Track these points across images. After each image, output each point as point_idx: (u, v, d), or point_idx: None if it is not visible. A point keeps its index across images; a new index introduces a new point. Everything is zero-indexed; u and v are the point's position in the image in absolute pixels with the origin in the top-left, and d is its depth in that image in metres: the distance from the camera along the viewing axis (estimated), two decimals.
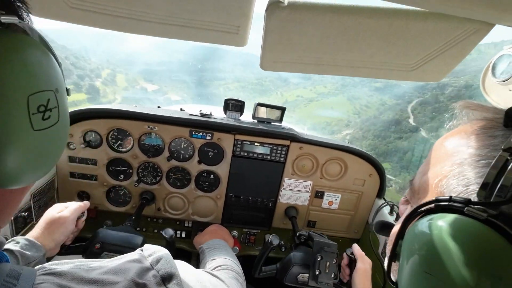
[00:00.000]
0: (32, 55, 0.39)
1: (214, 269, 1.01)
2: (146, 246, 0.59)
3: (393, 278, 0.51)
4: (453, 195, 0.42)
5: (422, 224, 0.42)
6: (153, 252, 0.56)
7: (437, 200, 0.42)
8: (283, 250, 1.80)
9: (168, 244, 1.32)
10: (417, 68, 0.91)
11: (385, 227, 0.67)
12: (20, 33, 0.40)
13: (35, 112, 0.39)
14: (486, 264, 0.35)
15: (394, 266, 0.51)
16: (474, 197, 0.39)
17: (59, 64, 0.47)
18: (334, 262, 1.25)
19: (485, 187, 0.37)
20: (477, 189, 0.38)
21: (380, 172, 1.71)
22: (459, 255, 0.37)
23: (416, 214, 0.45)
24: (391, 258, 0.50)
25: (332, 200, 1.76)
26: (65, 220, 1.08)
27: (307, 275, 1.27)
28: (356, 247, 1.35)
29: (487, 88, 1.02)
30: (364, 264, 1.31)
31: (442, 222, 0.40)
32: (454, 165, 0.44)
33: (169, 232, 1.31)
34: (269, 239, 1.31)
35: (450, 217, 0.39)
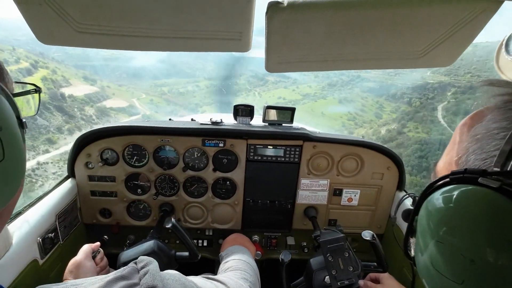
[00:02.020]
0: None
1: (225, 271, 1.02)
2: (140, 258, 0.62)
3: (410, 254, 0.52)
4: None
5: (434, 196, 0.43)
6: (145, 264, 0.61)
7: (452, 173, 0.42)
8: (306, 251, 1.78)
9: (174, 231, 1.32)
10: (426, 54, 0.89)
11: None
12: None
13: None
14: (498, 230, 0.35)
15: (412, 242, 0.52)
16: (490, 169, 0.39)
17: (10, 97, 0.48)
18: (346, 255, 1.22)
19: (502, 157, 0.37)
20: (494, 161, 0.38)
21: (398, 164, 1.67)
22: (469, 222, 0.38)
23: (431, 189, 0.45)
24: (407, 234, 0.51)
25: (351, 196, 1.74)
26: (79, 263, 1.14)
27: None
28: (362, 283, 1.34)
29: (502, 67, 0.98)
30: (384, 286, 1.31)
31: (454, 192, 0.40)
32: (473, 140, 0.44)
33: (169, 222, 1.30)
34: (280, 258, 1.30)
35: (463, 187, 0.40)
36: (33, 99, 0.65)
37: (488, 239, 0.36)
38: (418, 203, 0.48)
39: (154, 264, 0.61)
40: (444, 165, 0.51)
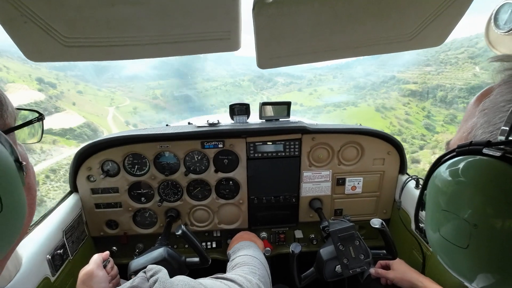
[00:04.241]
0: None
1: (232, 269, 1.03)
2: (149, 266, 0.63)
3: (421, 227, 0.55)
4: None
5: (441, 169, 0.45)
6: (154, 272, 0.62)
7: (458, 147, 0.44)
8: (315, 243, 1.79)
9: (184, 238, 1.32)
10: (416, 36, 0.88)
11: None
12: None
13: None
14: (499, 194, 0.37)
15: (422, 215, 0.54)
16: (494, 139, 0.40)
17: (7, 140, 0.45)
18: (357, 243, 1.23)
19: (507, 127, 0.39)
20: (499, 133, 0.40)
21: (398, 148, 1.68)
22: (471, 189, 0.40)
23: (439, 164, 0.47)
24: (417, 208, 0.54)
25: (354, 184, 1.74)
26: (91, 273, 1.14)
27: None
28: (374, 271, 1.39)
29: (493, 41, 0.98)
30: (395, 272, 1.32)
31: (458, 163, 0.42)
32: (482, 115, 0.46)
33: (178, 229, 1.30)
34: (290, 250, 1.31)
35: (467, 158, 0.41)
36: (38, 126, 0.61)
37: (490, 203, 0.37)
38: (426, 178, 0.50)
39: (163, 272, 0.62)
40: (455, 142, 0.52)
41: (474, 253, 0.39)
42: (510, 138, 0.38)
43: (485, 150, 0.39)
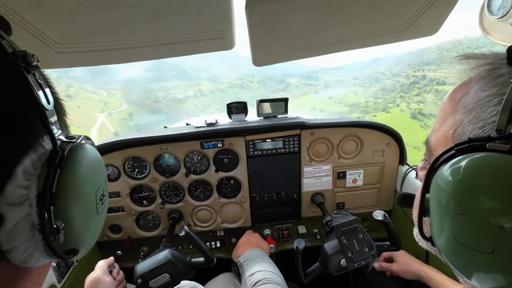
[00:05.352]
0: (98, 159, 0.48)
1: (254, 285, 1.02)
2: (183, 282, 0.63)
3: (426, 234, 0.50)
4: None
5: (446, 170, 0.42)
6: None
7: (456, 145, 0.42)
8: (318, 238, 1.79)
9: (188, 239, 1.33)
10: (410, 26, 0.88)
11: (407, 199, 0.65)
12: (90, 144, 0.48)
13: (98, 201, 0.47)
14: None
15: (425, 222, 0.50)
16: (493, 134, 0.39)
17: None
18: (360, 236, 1.23)
19: (503, 121, 0.38)
20: (494, 127, 0.39)
21: (397, 138, 1.68)
22: (490, 189, 0.37)
23: (437, 164, 0.45)
24: (420, 214, 0.49)
25: (355, 177, 1.74)
26: (98, 279, 1.16)
27: None
28: (377, 265, 1.39)
29: (487, 28, 0.98)
30: (399, 264, 1.32)
31: (466, 162, 0.40)
32: (466, 111, 0.45)
33: (182, 230, 1.31)
34: (295, 246, 1.31)
35: (473, 155, 0.39)
36: None
37: None
38: (426, 181, 0.47)
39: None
40: (439, 140, 0.51)
41: (501, 258, 0.37)
42: (507, 131, 0.37)
43: (489, 146, 0.38)
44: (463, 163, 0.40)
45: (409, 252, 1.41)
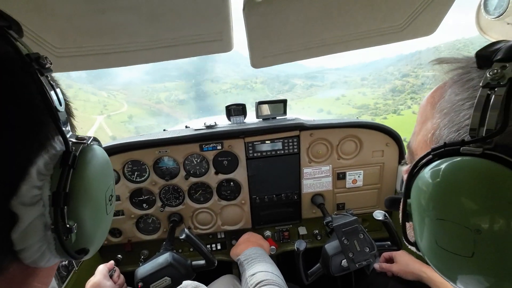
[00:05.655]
0: (107, 160, 0.49)
1: (255, 286, 1.02)
2: (185, 282, 0.63)
3: (411, 239, 0.51)
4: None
5: (423, 175, 0.43)
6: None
7: (432, 150, 0.43)
8: (319, 239, 1.79)
9: (188, 242, 1.32)
10: (407, 26, 0.89)
11: (395, 202, 0.65)
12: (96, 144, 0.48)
13: (108, 202, 0.48)
14: (494, 194, 0.36)
15: (409, 227, 0.51)
16: (467, 138, 0.40)
17: None
18: (361, 237, 1.23)
19: (475, 125, 0.38)
20: (468, 130, 0.39)
21: (397, 139, 1.68)
22: (466, 192, 0.37)
23: (416, 169, 0.45)
24: (403, 219, 0.50)
25: (355, 178, 1.74)
26: (99, 284, 1.16)
27: None
28: (378, 266, 1.38)
29: (484, 27, 0.99)
30: (399, 264, 1.32)
31: (442, 166, 0.40)
32: (442, 115, 0.46)
33: (182, 233, 1.31)
34: (295, 247, 1.31)
35: (448, 160, 0.40)
36: None
37: (488, 204, 0.36)
38: (406, 186, 0.47)
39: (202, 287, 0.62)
40: (419, 144, 0.51)
41: (481, 260, 0.37)
42: (480, 134, 0.38)
43: (463, 150, 0.38)
44: (438, 168, 0.41)
45: (409, 252, 1.41)
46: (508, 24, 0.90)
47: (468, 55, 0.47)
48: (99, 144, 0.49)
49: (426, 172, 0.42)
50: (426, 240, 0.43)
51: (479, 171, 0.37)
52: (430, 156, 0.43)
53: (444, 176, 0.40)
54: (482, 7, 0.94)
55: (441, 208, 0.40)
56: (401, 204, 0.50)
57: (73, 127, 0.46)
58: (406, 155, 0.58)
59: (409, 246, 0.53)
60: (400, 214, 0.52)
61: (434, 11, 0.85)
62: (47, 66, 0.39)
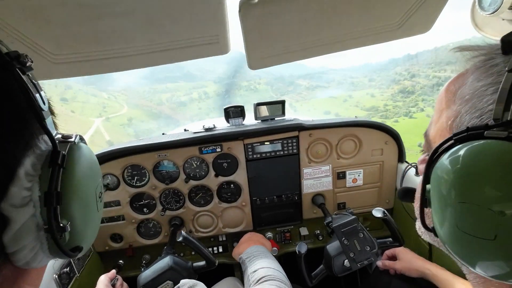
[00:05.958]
0: (94, 157, 0.49)
1: (257, 282, 1.01)
2: (182, 281, 0.63)
3: (429, 225, 0.50)
4: None
5: (446, 159, 0.43)
6: (189, 287, 0.60)
7: (455, 135, 0.42)
8: (321, 239, 1.79)
9: (186, 244, 1.32)
10: (403, 25, 0.89)
11: (409, 193, 0.65)
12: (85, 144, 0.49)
13: (98, 198, 0.49)
14: None
15: (427, 213, 0.50)
16: (491, 123, 0.39)
17: None
18: (361, 236, 1.23)
19: (499, 109, 0.38)
20: (491, 116, 0.39)
21: (395, 136, 1.68)
22: (490, 175, 0.37)
23: (437, 155, 0.45)
24: (422, 205, 0.49)
25: (355, 177, 1.74)
26: None
27: None
28: (381, 264, 1.37)
29: (479, 24, 0.99)
30: (402, 262, 1.32)
31: (465, 150, 0.40)
32: (463, 102, 0.45)
33: (179, 235, 1.31)
34: (297, 250, 1.30)
35: (472, 143, 0.40)
36: None
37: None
38: (426, 172, 0.47)
39: (199, 285, 0.62)
40: (437, 132, 0.51)
41: (503, 243, 0.37)
42: (504, 118, 0.38)
43: (487, 133, 0.38)
44: (462, 152, 0.40)
45: (412, 249, 1.41)
46: (503, 20, 0.90)
47: (494, 39, 0.47)
48: (84, 142, 0.50)
49: (448, 157, 0.42)
50: (447, 224, 0.43)
51: (504, 153, 0.37)
52: (452, 141, 0.43)
53: (468, 159, 0.39)
54: (477, 3, 0.95)
55: (464, 191, 0.40)
56: (420, 191, 0.49)
57: (56, 126, 0.46)
58: (423, 144, 0.58)
59: (423, 235, 0.54)
60: (417, 202, 0.52)
61: (429, 8, 0.86)
62: (28, 64, 0.38)
